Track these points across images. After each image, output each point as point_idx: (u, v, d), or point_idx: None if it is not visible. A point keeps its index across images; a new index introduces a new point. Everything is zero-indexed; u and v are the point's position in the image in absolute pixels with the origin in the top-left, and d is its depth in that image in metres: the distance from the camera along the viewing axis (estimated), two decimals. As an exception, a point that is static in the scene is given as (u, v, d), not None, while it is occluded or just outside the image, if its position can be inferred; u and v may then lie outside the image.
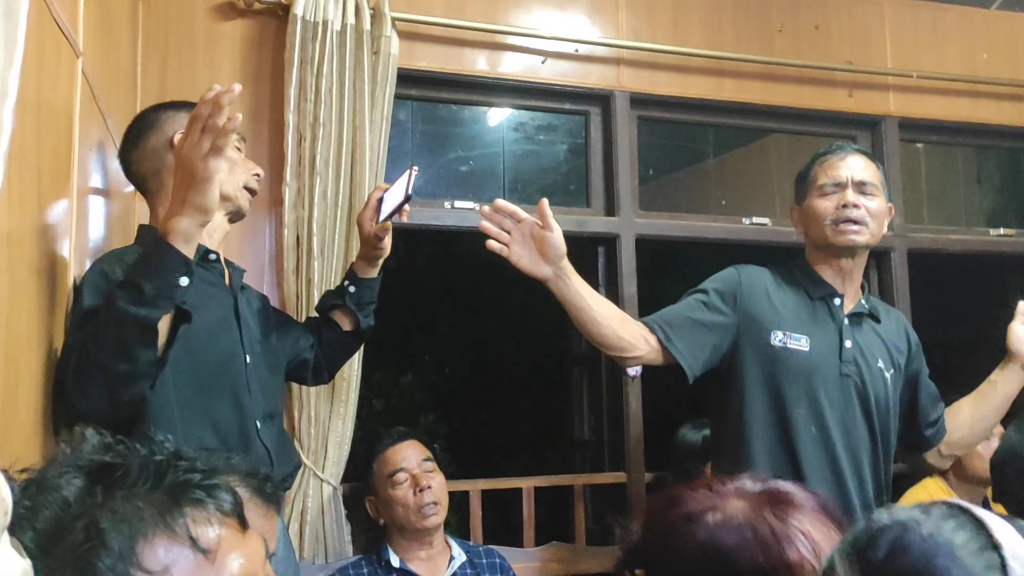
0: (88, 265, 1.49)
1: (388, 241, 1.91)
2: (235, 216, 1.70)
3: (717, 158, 3.21)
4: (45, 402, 1.27)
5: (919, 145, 3.34)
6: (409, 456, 2.26)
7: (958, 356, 4.00)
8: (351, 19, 2.45)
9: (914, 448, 2.13)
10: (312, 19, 2.42)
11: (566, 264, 1.66)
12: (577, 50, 2.81)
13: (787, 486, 0.87)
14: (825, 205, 1.90)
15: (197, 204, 1.27)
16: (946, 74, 3.13)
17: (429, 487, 2.20)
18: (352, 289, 1.94)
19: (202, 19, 2.46)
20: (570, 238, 2.80)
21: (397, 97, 2.54)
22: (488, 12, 2.72)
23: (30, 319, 1.20)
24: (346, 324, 1.96)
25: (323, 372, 1.99)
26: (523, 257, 1.62)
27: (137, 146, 1.62)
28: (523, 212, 1.63)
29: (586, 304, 1.71)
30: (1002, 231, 3.27)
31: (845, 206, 1.87)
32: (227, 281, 1.68)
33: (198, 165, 1.25)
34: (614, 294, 2.71)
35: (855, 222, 1.88)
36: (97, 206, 1.71)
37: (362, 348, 2.40)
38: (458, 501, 2.61)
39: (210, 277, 1.60)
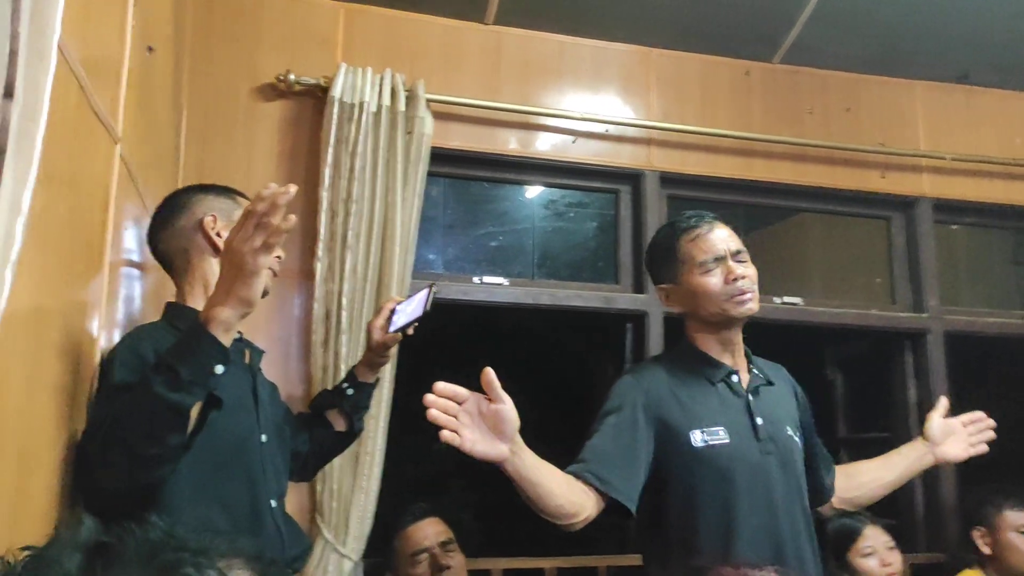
0: (116, 339, 1.53)
1: (394, 351, 1.92)
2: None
3: (747, 236, 3.21)
4: (62, 479, 1.29)
5: (954, 226, 3.31)
6: (430, 535, 2.25)
7: (1001, 438, 3.89)
8: (387, 101, 2.54)
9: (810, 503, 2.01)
10: (349, 101, 2.51)
11: (518, 438, 1.48)
12: (608, 130, 2.87)
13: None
14: (713, 281, 1.81)
15: (242, 296, 1.30)
16: (981, 156, 3.12)
17: (449, 567, 2.18)
18: (351, 392, 1.93)
19: (244, 100, 2.56)
20: (598, 315, 2.86)
21: (430, 174, 2.60)
22: (520, 93, 2.80)
23: (51, 395, 1.23)
24: (339, 425, 1.95)
25: (308, 469, 1.98)
26: (477, 442, 1.41)
27: (166, 227, 1.66)
28: (464, 390, 1.42)
29: (543, 477, 1.55)
30: (1042, 313, 3.21)
31: (736, 279, 1.80)
32: (247, 360, 1.70)
33: (247, 259, 1.27)
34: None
35: (745, 292, 1.81)
36: (131, 282, 1.76)
37: (388, 417, 2.42)
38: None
39: (231, 356, 1.63)
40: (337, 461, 2.33)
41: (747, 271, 1.83)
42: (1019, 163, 3.14)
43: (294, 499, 2.34)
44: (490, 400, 1.42)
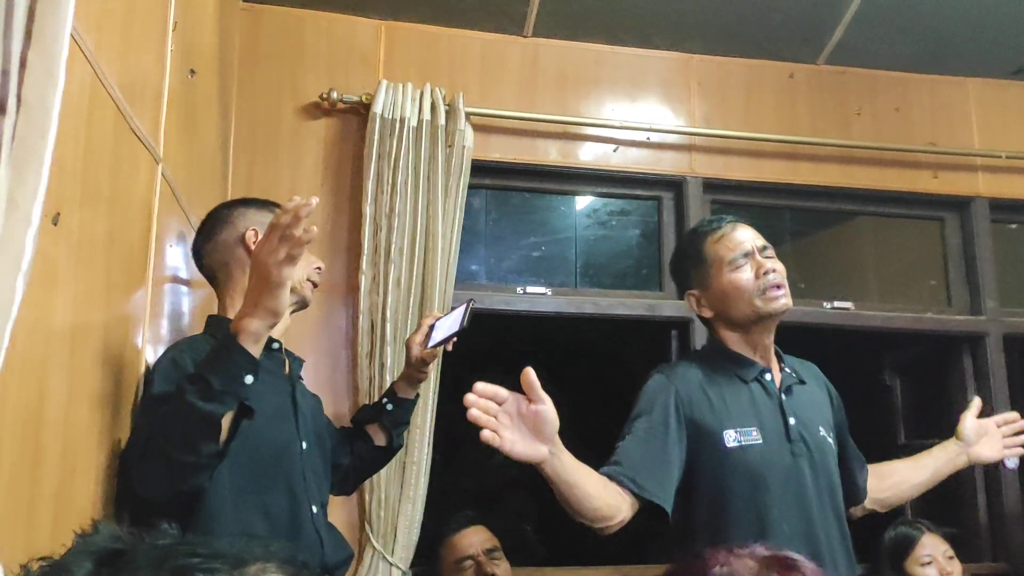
0: (161, 351, 1.59)
1: (433, 367, 1.94)
2: (299, 307, 1.77)
3: (795, 241, 3.17)
4: (105, 488, 1.35)
5: (1012, 226, 3.21)
6: (475, 543, 2.27)
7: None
8: (427, 115, 2.58)
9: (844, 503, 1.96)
10: (391, 116, 2.56)
11: (558, 439, 1.46)
12: (649, 138, 2.86)
13: (795, 555, 0.93)
14: (744, 277, 1.78)
15: (269, 307, 1.33)
16: (1038, 153, 3.02)
17: (494, 575, 2.20)
18: (390, 407, 1.96)
19: (289, 119, 2.63)
20: (643, 322, 2.84)
21: (471, 186, 2.64)
22: (559, 104, 2.81)
23: (92, 406, 1.29)
24: (380, 439, 1.97)
25: (349, 482, 2.00)
26: (516, 443, 1.39)
27: (209, 240, 1.70)
28: (504, 391, 1.40)
29: (580, 479, 1.54)
30: (1109, 314, 3.08)
31: (766, 273, 1.77)
32: (287, 370, 1.75)
33: (273, 271, 1.31)
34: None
35: (779, 286, 1.78)
36: (177, 297, 1.83)
37: (433, 427, 2.45)
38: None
39: (270, 366, 1.67)
40: (384, 471, 2.37)
41: (776, 265, 1.81)
42: (1079, 159, 3.03)
43: (344, 509, 2.39)
44: (530, 401, 1.40)
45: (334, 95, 2.59)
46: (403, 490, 2.41)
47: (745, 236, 1.84)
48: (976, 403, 2.14)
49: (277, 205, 1.78)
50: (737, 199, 2.95)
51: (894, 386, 3.40)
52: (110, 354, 1.35)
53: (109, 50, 1.27)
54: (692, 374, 1.81)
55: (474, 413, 1.37)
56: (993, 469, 2.89)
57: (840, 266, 3.31)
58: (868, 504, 2.01)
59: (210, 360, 1.35)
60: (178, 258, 1.80)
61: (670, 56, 2.94)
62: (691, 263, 1.88)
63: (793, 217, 3.14)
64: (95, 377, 1.29)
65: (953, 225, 3.08)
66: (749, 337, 1.83)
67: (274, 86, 2.64)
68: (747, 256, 1.81)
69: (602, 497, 1.58)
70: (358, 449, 1.95)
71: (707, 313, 1.86)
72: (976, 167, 3.03)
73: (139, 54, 1.45)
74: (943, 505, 3.06)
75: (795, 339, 2.85)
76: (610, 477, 1.64)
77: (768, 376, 1.82)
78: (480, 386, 1.39)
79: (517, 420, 1.41)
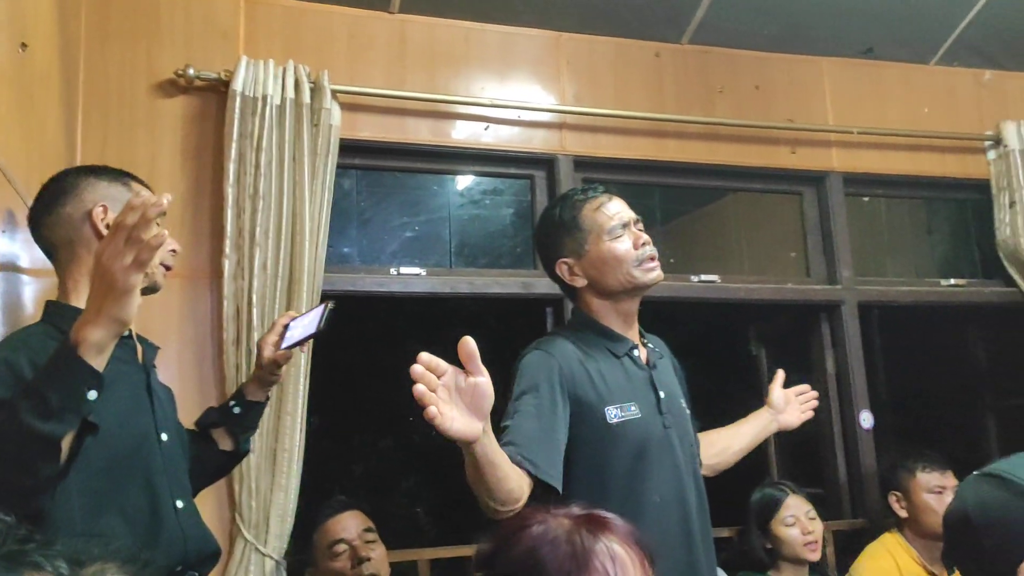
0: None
1: (285, 369, 1.85)
2: (149, 291, 1.67)
3: (665, 217, 3.24)
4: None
5: (865, 199, 3.38)
6: (349, 527, 2.23)
7: (916, 405, 4.01)
8: (291, 93, 2.50)
9: None
10: (252, 94, 2.47)
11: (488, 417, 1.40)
12: (520, 116, 2.87)
13: (607, 514, 1.00)
14: (624, 247, 1.81)
15: (114, 316, 1.20)
16: (887, 129, 3.19)
17: (369, 558, 2.17)
18: (238, 411, 1.85)
19: (144, 97, 2.50)
20: (518, 300, 2.86)
21: (340, 167, 2.58)
22: (429, 82, 2.78)
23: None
24: (225, 444, 1.86)
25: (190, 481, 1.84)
26: (455, 420, 1.30)
27: (50, 212, 1.55)
28: (444, 363, 1.30)
29: (502, 459, 1.48)
30: (952, 281, 3.30)
31: (644, 244, 1.83)
32: (140, 358, 1.66)
33: (118, 277, 1.18)
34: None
35: (653, 258, 1.83)
36: (14, 287, 1.71)
37: (306, 414, 2.39)
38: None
39: (122, 354, 1.56)
40: (254, 460, 2.31)
41: (648, 239, 1.85)
42: (924, 134, 3.22)
43: (212, 500, 2.31)
44: (468, 373, 1.31)
45: (191, 72, 2.48)
46: (275, 479, 2.35)
47: (621, 207, 1.86)
48: (780, 375, 2.33)
49: (133, 177, 1.67)
50: (608, 177, 2.99)
51: (760, 355, 3.54)
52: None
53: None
54: (570, 350, 1.80)
55: (420, 389, 1.26)
56: (852, 431, 3.05)
57: (709, 242, 3.43)
58: (703, 472, 2.06)
59: (48, 373, 1.22)
60: (15, 246, 1.69)
61: (539, 34, 2.94)
62: (565, 230, 1.86)
63: (663, 194, 3.21)
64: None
65: (810, 199, 3.22)
66: (619, 307, 1.85)
67: (127, 62, 2.50)
68: (625, 227, 1.83)
69: (515, 478, 1.53)
70: (202, 453, 1.83)
71: (579, 282, 1.86)
72: (831, 143, 3.17)
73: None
74: (806, 467, 3.22)
75: (669, 314, 2.94)
76: (510, 458, 1.57)
77: (636, 352, 1.86)
78: (424, 357, 1.28)
79: (455, 395, 1.32)
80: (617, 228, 1.82)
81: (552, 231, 1.89)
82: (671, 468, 1.78)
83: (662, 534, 1.71)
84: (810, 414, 2.31)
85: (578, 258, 1.85)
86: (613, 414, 1.74)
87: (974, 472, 1.78)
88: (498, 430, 1.62)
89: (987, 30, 3.18)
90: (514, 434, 1.65)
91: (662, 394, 1.82)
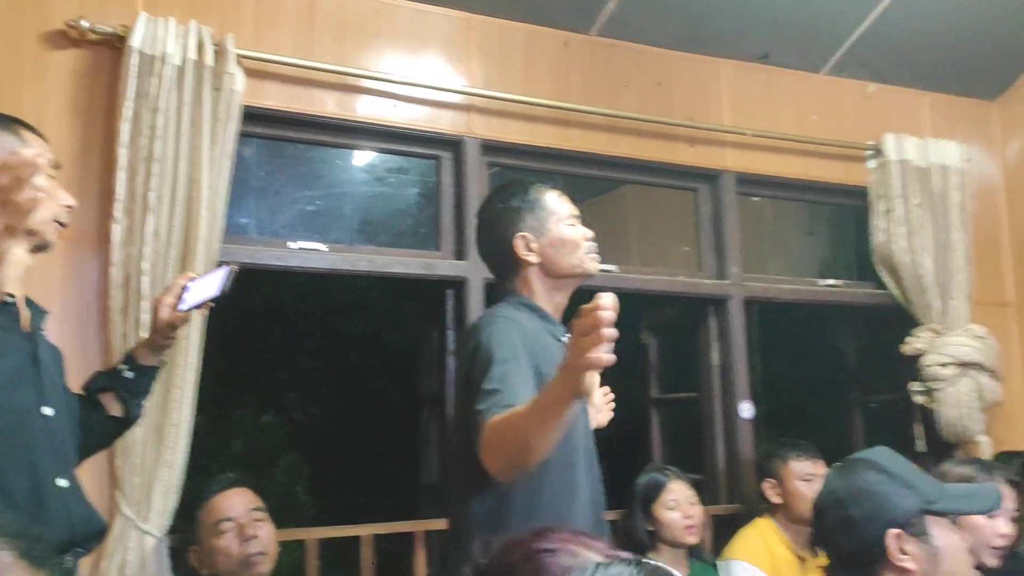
0: None
1: (181, 332, 1.80)
2: (39, 249, 1.57)
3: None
4: None
5: (755, 198, 3.53)
6: (236, 504, 2.18)
7: (791, 396, 4.23)
8: (192, 54, 2.41)
9: None
10: (150, 52, 2.36)
11: None
12: (429, 96, 2.85)
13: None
14: (579, 235, 1.96)
15: None
16: (779, 133, 3.33)
17: (255, 536, 2.13)
18: (129, 375, 1.79)
19: (31, 47, 2.35)
20: (419, 281, 2.85)
21: (242, 135, 2.50)
22: (339, 54, 2.72)
23: None
24: (115, 410, 1.80)
25: (77, 454, 1.75)
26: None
27: None
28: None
29: None
30: (830, 281, 3.49)
31: (590, 238, 1.98)
32: (23, 325, 1.56)
33: None
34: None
35: (597, 252, 2.00)
36: None
37: (198, 386, 2.32)
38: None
39: (3, 322, 1.48)
40: (140, 434, 2.22)
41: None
42: (812, 140, 3.38)
43: (91, 475, 2.20)
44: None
45: (84, 24, 2.35)
46: (160, 454, 2.27)
47: (565, 199, 2.01)
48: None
49: (22, 123, 1.58)
50: (514, 162, 3.02)
51: (650, 345, 3.65)
52: None
53: None
54: (528, 325, 1.86)
55: (612, 333, 1.31)
56: (732, 420, 3.19)
57: (611, 233, 3.50)
58: None
59: None
60: None
61: (452, 14, 2.93)
62: (528, 208, 1.96)
63: (566, 183, 3.26)
64: None
65: (705, 196, 3.33)
66: (558, 291, 1.96)
67: (13, 8, 2.34)
68: (576, 219, 1.99)
69: None
70: (91, 419, 1.76)
71: (533, 259, 1.94)
72: (725, 143, 3.28)
73: None
74: (689, 453, 3.35)
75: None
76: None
77: (564, 338, 1.89)
78: (606, 298, 1.32)
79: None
80: (573, 217, 1.97)
81: (513, 205, 1.98)
82: (586, 453, 1.88)
83: (593, 508, 1.84)
84: (610, 415, 2.26)
85: (537, 235, 1.94)
86: None
87: (837, 463, 1.89)
88: (483, 393, 1.65)
89: (874, 46, 3.37)
90: (514, 395, 1.65)
91: None
